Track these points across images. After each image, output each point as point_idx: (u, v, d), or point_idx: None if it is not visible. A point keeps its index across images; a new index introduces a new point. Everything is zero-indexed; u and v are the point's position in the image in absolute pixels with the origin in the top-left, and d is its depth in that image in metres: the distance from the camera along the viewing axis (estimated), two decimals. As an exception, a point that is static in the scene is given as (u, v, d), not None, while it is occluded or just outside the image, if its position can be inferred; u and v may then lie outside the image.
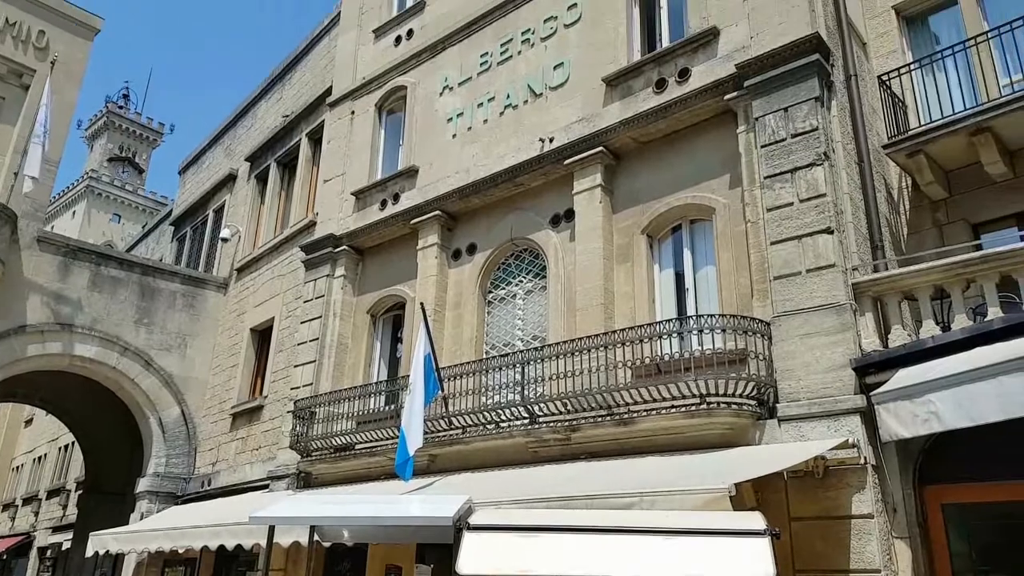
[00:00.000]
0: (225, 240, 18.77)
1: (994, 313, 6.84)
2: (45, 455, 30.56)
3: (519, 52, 12.12)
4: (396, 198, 13.16)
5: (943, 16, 10.15)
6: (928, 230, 9.46)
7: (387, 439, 10.60)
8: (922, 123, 9.37)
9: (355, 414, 11.37)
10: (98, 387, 17.21)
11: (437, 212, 12.15)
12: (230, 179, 20.20)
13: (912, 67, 9.71)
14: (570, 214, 10.55)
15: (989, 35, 9.07)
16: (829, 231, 7.86)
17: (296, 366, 13.54)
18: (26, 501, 30.81)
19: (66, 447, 28.18)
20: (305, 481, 12.23)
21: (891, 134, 9.42)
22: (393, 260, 13.08)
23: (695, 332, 8.25)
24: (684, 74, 9.71)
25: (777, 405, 7.69)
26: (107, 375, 16.49)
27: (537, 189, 11.23)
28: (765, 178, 8.49)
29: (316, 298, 13.62)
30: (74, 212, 66.36)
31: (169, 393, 16.91)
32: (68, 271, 16.12)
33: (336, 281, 13.52)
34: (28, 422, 33.23)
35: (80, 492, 23.99)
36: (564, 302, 10.17)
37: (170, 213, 25.87)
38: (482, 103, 12.38)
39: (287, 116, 17.79)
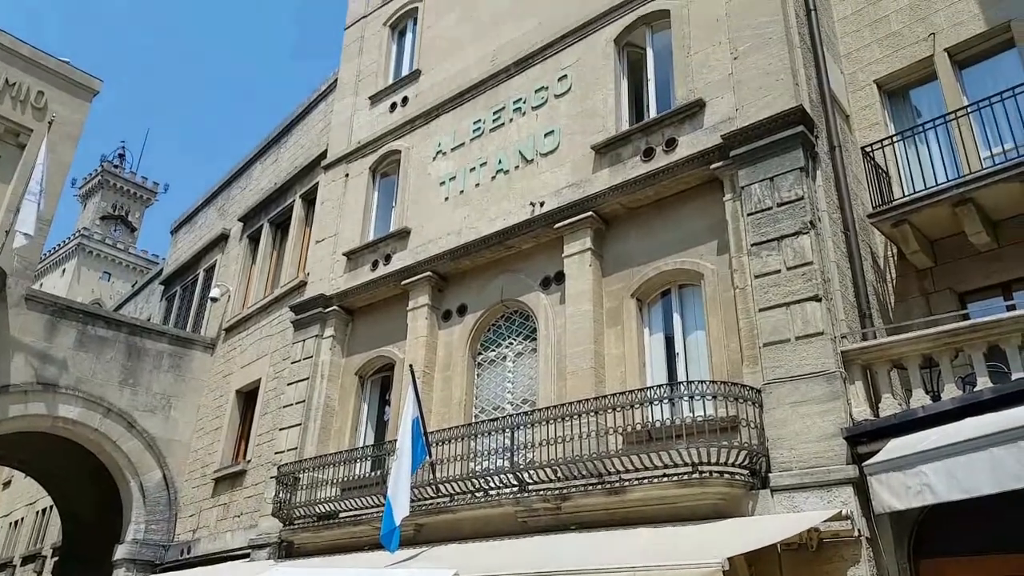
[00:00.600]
0: (214, 300, 18.69)
1: (983, 383, 6.86)
2: (22, 519, 29.68)
3: (511, 120, 12.38)
4: (388, 259, 13.21)
5: (923, 91, 10.45)
6: (915, 298, 9.53)
7: (372, 507, 10.36)
8: (906, 193, 9.54)
9: (340, 480, 11.14)
10: (79, 449, 16.83)
11: (428, 273, 12.18)
12: (222, 239, 20.24)
13: (895, 139, 9.95)
14: (560, 277, 10.60)
15: (969, 109, 9.33)
16: (817, 299, 7.91)
17: (281, 429, 13.32)
18: (0, 567, 29.80)
19: (44, 511, 27.39)
20: (287, 551, 11.88)
21: (876, 204, 9.58)
22: (383, 321, 13.04)
23: (686, 398, 8.20)
24: (671, 143, 9.91)
25: (769, 475, 7.59)
26: (89, 437, 16.15)
27: (528, 252, 11.31)
28: (752, 245, 8.59)
29: (304, 359, 13.51)
30: (64, 270, 66.20)
31: (151, 456, 16.56)
32: (55, 330, 15.95)
33: (325, 342, 13.44)
34: (6, 484, 32.37)
35: (56, 559, 23.22)
36: (554, 365, 10.12)
37: (161, 272, 25.83)
38: (474, 168, 12.57)
39: (294, 169, 17.79)
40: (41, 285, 58.14)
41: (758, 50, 9.54)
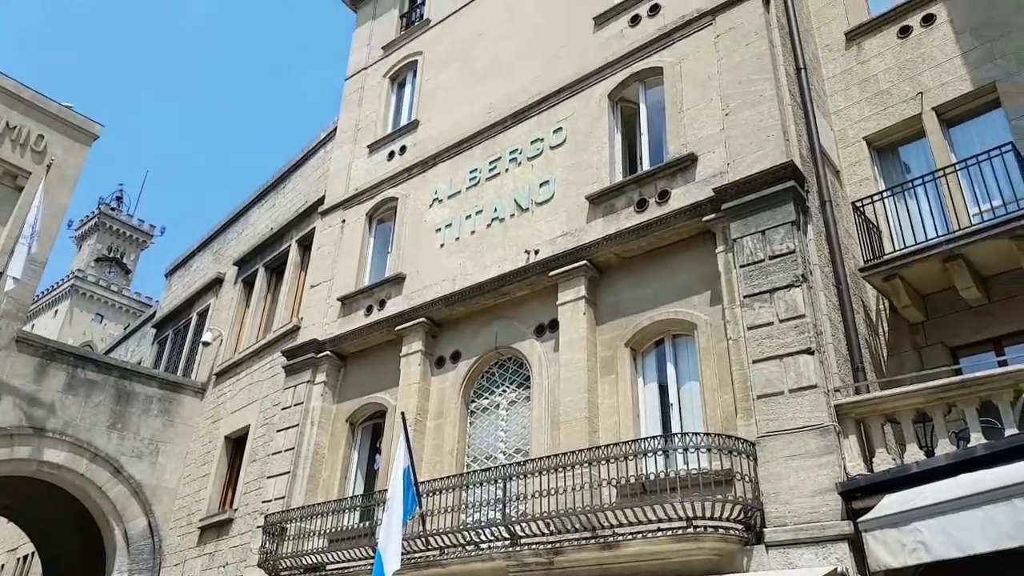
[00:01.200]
0: (206, 344, 18.58)
1: (976, 438, 6.86)
2: (2, 566, 28.95)
3: (507, 169, 12.55)
4: (382, 304, 13.22)
5: (912, 148, 10.63)
6: (907, 352, 9.55)
7: (361, 559, 10.16)
8: (896, 248, 9.64)
9: (328, 531, 10.94)
10: (64, 494, 16.54)
11: (422, 319, 12.18)
12: (216, 283, 20.25)
13: (885, 194, 10.09)
14: (554, 324, 10.62)
15: (957, 167, 9.49)
16: (810, 351, 7.93)
17: (269, 477, 13.13)
18: (-25, 616, 28.91)
19: (25, 557, 26.75)
20: (272, 602, 11.60)
21: (867, 258, 9.66)
22: (375, 367, 12.98)
23: (680, 451, 8.14)
24: (664, 195, 10.06)
25: (764, 529, 7.51)
26: (74, 482, 15.87)
27: (522, 299, 11.34)
28: (745, 297, 8.64)
29: (295, 405, 13.39)
30: (56, 311, 65.85)
31: (137, 503, 16.25)
32: (44, 373, 15.81)
33: (316, 387, 13.35)
34: (-14, 529, 31.64)
35: (33, 607, 22.57)
36: (548, 414, 10.06)
37: (153, 315, 25.73)
38: (470, 215, 12.69)
39: (291, 215, 17.80)
40: (33, 326, 57.76)
41: (749, 107, 9.74)
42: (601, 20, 12.42)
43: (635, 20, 11.91)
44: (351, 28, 18.50)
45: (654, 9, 11.70)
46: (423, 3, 16.92)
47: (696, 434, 8.06)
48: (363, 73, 17.13)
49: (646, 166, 10.77)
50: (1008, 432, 6.74)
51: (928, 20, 10.77)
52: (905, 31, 10.96)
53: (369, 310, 13.41)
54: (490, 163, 12.87)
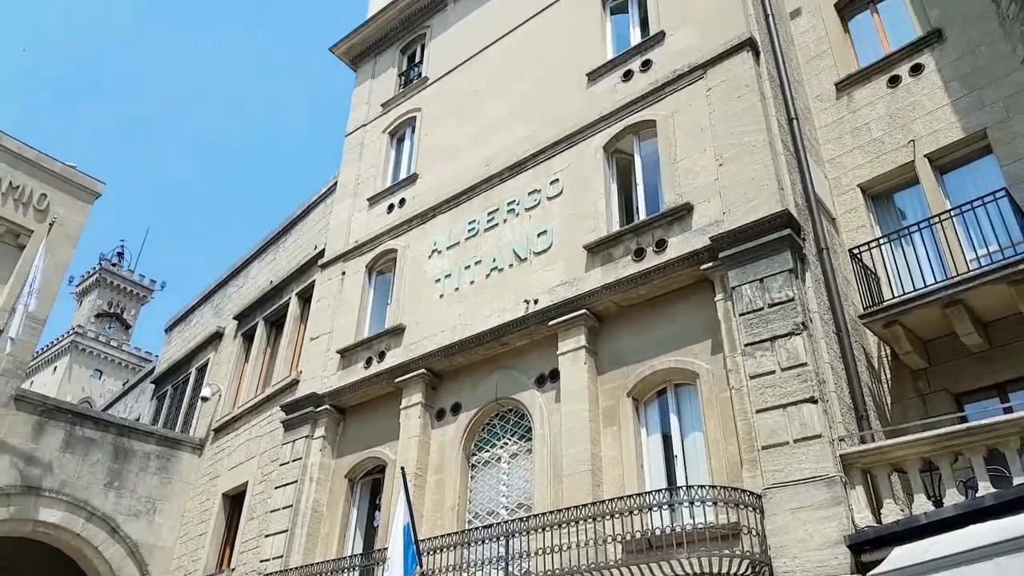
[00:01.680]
0: (205, 399, 18.44)
1: (984, 487, 6.75)
2: (-9, 630, 28.19)
3: (505, 220, 12.64)
4: (381, 356, 13.16)
5: (907, 194, 10.72)
6: (911, 399, 9.46)
7: (361, 621, 9.90)
8: (895, 294, 9.61)
9: (328, 592, 10.68)
10: (60, 555, 16.21)
11: (422, 370, 12.10)
12: (216, 337, 20.21)
13: (881, 241, 10.13)
14: (555, 374, 10.55)
15: (952, 213, 9.55)
16: (813, 400, 7.86)
17: (267, 536, 12.88)
18: None
19: (15, 621, 26.06)
20: (270, 666, 11.28)
21: (866, 305, 9.65)
22: (375, 419, 12.86)
23: (686, 504, 8.00)
24: (661, 244, 10.11)
25: (773, 585, 7.33)
26: (70, 543, 15.58)
27: (522, 349, 11.30)
28: (746, 345, 8.60)
29: (293, 460, 13.21)
30: (55, 367, 65.67)
31: (133, 563, 15.90)
32: (42, 431, 15.66)
33: (315, 442, 13.19)
34: (-22, 592, 30.92)
35: (24, 675, 21.88)
36: (550, 467, 9.92)
37: (153, 370, 25.62)
38: (469, 266, 12.73)
39: (291, 268, 17.80)
40: (32, 383, 57.53)
41: (742, 157, 9.86)
42: (594, 76, 12.68)
43: (628, 75, 12.15)
44: (351, 86, 18.87)
45: (646, 64, 11.96)
46: (421, 62, 17.30)
47: (702, 487, 7.94)
48: (363, 129, 17.41)
49: (643, 216, 10.86)
50: (1016, 480, 6.65)
51: (916, 70, 10.99)
52: (894, 80, 11.17)
53: (368, 362, 13.35)
54: (488, 214, 12.98)
